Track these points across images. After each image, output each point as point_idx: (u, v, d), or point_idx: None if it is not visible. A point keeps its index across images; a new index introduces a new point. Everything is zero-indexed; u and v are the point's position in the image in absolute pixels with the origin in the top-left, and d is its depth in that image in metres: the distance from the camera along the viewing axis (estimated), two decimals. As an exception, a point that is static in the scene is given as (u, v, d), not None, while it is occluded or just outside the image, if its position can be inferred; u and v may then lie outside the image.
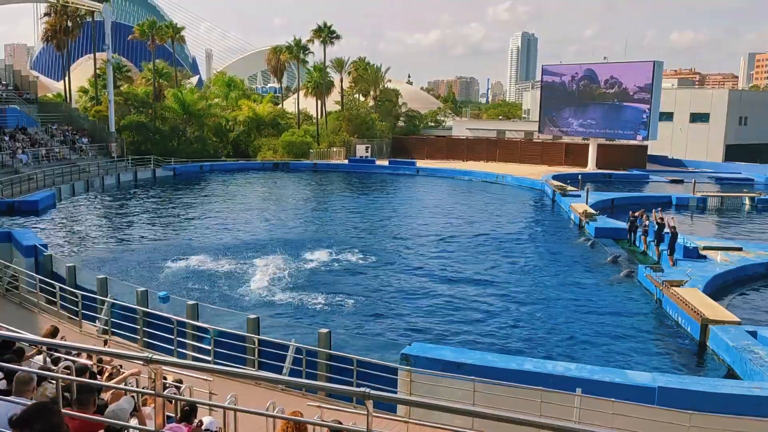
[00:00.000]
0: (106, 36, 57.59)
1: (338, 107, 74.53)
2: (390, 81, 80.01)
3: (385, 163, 63.90)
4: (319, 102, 72.02)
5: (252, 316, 15.14)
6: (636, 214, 28.64)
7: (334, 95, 74.94)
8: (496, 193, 49.00)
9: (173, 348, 14.76)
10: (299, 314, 19.89)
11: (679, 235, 24.50)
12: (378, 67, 77.42)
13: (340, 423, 8.32)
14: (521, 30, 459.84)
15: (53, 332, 11.19)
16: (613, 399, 11.10)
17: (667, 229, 25.03)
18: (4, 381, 6.66)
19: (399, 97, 79.52)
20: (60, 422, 3.80)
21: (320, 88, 71.34)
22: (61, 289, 17.76)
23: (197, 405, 8.08)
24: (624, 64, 58.41)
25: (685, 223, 34.53)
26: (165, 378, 9.79)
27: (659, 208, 28.49)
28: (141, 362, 5.25)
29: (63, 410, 5.62)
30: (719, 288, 21.90)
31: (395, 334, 18.14)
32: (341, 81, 75.04)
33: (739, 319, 17.57)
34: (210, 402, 9.50)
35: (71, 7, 58.17)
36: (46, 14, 61.39)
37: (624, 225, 30.46)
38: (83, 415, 5.56)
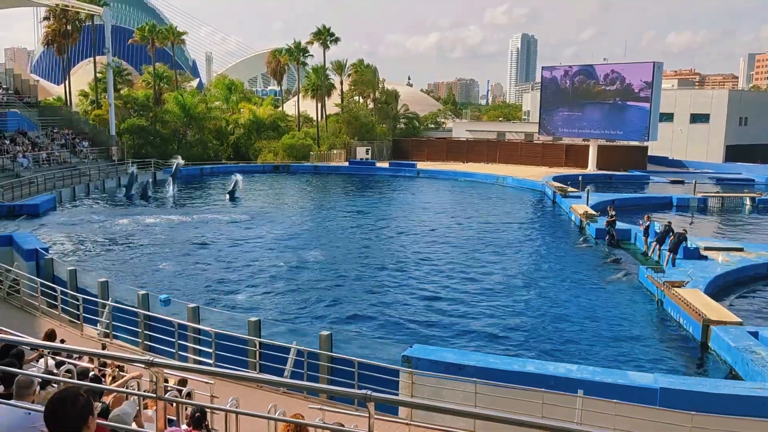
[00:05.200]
0: (106, 40, 57.66)
1: (338, 109, 74.60)
2: (385, 81, 79.98)
3: (386, 165, 63.92)
4: (319, 104, 72.09)
5: (253, 319, 15.15)
6: (665, 224, 27.14)
7: (334, 98, 75.03)
8: (497, 195, 48.97)
9: (174, 351, 14.76)
10: (300, 316, 19.89)
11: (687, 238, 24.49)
12: (375, 68, 77.50)
13: (342, 425, 8.33)
14: (519, 32, 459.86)
15: (50, 335, 11.21)
16: (614, 400, 11.10)
17: (678, 230, 24.89)
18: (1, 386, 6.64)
19: (399, 99, 79.57)
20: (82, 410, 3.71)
21: (320, 90, 71.41)
22: (62, 292, 17.79)
23: (206, 410, 8.08)
24: (623, 65, 58.35)
25: (685, 224, 34.53)
26: (166, 381, 9.81)
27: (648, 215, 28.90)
28: (142, 365, 5.25)
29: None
30: (720, 288, 21.88)
31: (396, 336, 18.13)
32: (341, 83, 75.13)
33: (740, 320, 17.54)
34: (212, 405, 9.50)
35: (71, 11, 58.23)
36: (45, 18, 61.45)
37: (624, 226, 30.51)
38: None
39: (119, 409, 6.35)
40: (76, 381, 7.18)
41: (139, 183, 46.50)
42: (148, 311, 16.39)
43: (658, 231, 26.61)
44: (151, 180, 49.36)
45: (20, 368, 6.82)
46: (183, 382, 10.44)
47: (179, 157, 52.60)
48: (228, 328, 15.91)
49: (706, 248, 25.47)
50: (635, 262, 26.51)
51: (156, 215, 37.23)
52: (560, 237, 33.84)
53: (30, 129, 51.53)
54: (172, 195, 46.32)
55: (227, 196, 44.84)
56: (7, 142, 47.14)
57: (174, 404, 8.50)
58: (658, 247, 25.79)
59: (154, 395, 4.99)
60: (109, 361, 10.44)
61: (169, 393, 8.80)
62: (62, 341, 12.54)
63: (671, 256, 23.93)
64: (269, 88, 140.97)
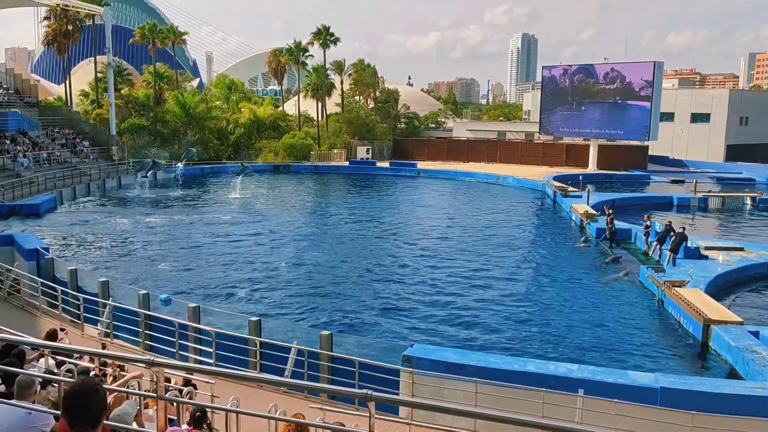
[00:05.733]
0: (107, 39, 57.65)
1: (339, 109, 74.56)
2: (385, 80, 79.98)
3: (386, 164, 63.90)
4: (320, 104, 72.07)
5: (253, 319, 15.14)
6: (666, 223, 26.57)
7: (335, 97, 74.99)
8: (497, 195, 48.99)
9: (175, 350, 14.76)
10: (301, 316, 19.90)
11: (688, 238, 24.46)
12: (375, 68, 77.44)
13: (343, 425, 8.33)
14: (519, 32, 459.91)
15: (52, 335, 11.22)
16: (615, 400, 11.09)
17: (678, 229, 24.86)
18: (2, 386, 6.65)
19: (399, 98, 79.52)
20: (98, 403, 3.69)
21: (320, 90, 71.38)
22: (62, 292, 17.78)
23: (206, 410, 8.08)
24: (624, 64, 58.29)
25: (684, 224, 34.51)
26: (169, 380, 9.81)
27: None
28: (143, 365, 5.25)
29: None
30: (721, 288, 21.87)
31: (397, 335, 18.13)
32: (341, 83, 75.09)
33: (741, 319, 17.54)
34: (212, 404, 9.50)
35: (71, 11, 58.22)
36: (46, 18, 61.45)
37: (624, 225, 30.52)
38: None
39: (120, 409, 6.35)
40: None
41: (150, 168, 50.11)
42: (149, 311, 16.39)
43: (658, 231, 26.58)
44: (164, 162, 53.13)
45: (21, 368, 6.83)
46: (189, 382, 10.43)
47: (195, 148, 58.14)
48: (228, 328, 15.92)
49: (707, 248, 25.45)
50: (636, 261, 26.50)
51: (156, 215, 37.24)
52: (561, 236, 33.81)
53: (30, 129, 51.54)
54: (181, 174, 51.80)
55: (238, 179, 48.37)
56: (8, 142, 47.15)
57: (175, 404, 8.50)
58: (658, 246, 25.78)
59: (155, 395, 4.99)
60: (109, 361, 10.44)
61: (169, 393, 8.80)
62: (62, 329, 12.54)
63: (672, 255, 23.92)
64: (270, 87, 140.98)
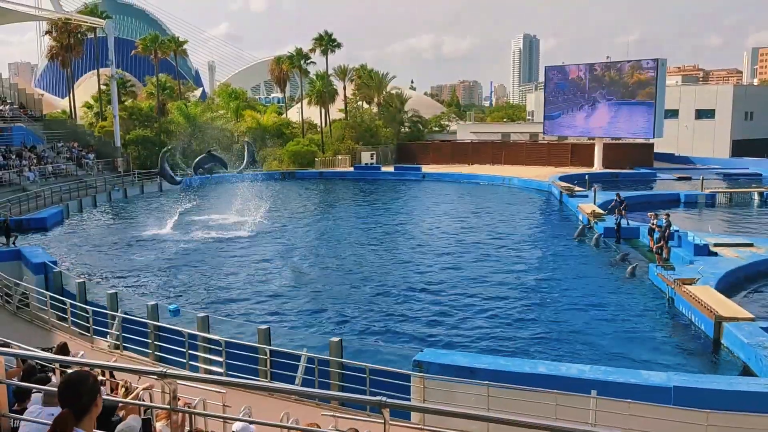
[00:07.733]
0: (110, 52, 57.90)
1: (342, 115, 74.62)
2: (397, 89, 80.00)
3: (391, 169, 63.92)
4: (323, 110, 72.14)
5: (263, 327, 15.13)
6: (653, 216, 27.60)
7: (338, 103, 75.04)
8: (503, 196, 48.87)
9: (185, 361, 14.75)
10: (310, 324, 19.87)
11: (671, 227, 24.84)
12: (384, 74, 77.46)
13: (356, 431, 8.30)
14: (520, 33, 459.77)
15: (63, 348, 11.20)
16: (628, 400, 11.02)
17: (674, 226, 25.03)
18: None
19: (403, 102, 79.52)
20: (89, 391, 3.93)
21: (323, 96, 71.44)
22: (71, 305, 17.80)
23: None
24: (627, 62, 58.15)
25: (694, 220, 34.40)
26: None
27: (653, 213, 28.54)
28: (155, 377, 5.22)
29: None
30: (731, 285, 21.74)
31: (407, 340, 18.08)
32: (344, 89, 75.15)
33: (752, 316, 17.43)
34: (224, 415, 9.48)
35: (73, 23, 58.50)
36: (47, 32, 61.76)
37: (632, 224, 30.42)
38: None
39: (124, 424, 6.33)
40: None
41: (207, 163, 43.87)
42: (158, 322, 16.39)
43: (660, 226, 26.60)
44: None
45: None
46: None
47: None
48: (238, 337, 15.91)
49: (716, 244, 25.35)
50: (644, 259, 26.39)
51: (163, 226, 37.25)
52: (568, 236, 33.68)
53: (35, 143, 51.73)
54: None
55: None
56: (14, 156, 47.34)
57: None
58: (664, 243, 25.72)
59: (168, 407, 4.97)
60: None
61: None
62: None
63: (666, 248, 24.28)
64: (272, 95, 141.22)
